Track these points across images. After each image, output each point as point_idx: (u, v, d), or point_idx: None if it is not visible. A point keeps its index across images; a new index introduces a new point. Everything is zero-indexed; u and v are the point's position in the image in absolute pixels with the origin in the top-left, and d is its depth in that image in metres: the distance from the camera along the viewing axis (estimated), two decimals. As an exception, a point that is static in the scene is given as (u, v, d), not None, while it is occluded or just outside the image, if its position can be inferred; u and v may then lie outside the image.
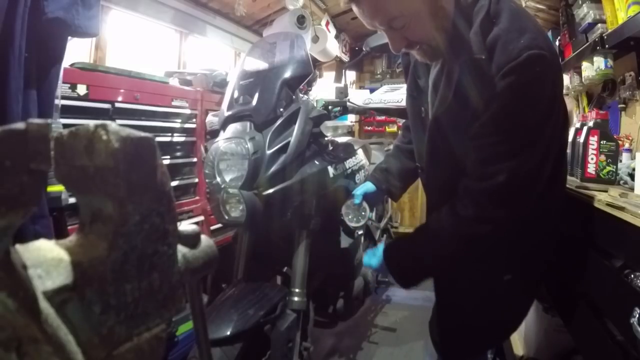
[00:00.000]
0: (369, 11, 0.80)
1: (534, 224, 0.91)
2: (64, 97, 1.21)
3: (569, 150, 1.15)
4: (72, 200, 1.20)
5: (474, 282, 0.95)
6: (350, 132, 3.54)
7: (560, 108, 0.85)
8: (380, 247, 1.03)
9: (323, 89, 2.54)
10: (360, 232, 1.55)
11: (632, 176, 1.03)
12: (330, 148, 1.32)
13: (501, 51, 0.75)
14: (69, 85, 1.25)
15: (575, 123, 1.74)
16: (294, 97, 1.17)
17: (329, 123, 2.16)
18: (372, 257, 1.02)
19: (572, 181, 1.10)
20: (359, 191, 1.15)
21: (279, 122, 1.09)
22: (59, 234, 1.14)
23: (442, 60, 0.89)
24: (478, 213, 0.83)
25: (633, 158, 1.26)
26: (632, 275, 0.74)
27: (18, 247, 0.22)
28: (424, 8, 0.79)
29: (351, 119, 3.59)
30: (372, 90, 1.66)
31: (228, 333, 0.95)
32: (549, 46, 0.77)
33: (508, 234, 0.87)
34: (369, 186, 1.18)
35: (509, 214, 0.82)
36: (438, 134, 0.92)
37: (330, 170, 1.21)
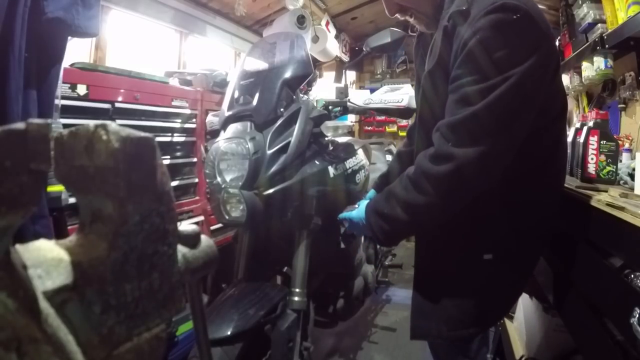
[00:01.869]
0: None
1: (518, 205, 0.90)
2: (64, 97, 1.21)
3: (568, 150, 1.15)
4: (72, 200, 1.20)
5: (452, 256, 0.93)
6: (350, 132, 3.54)
7: (546, 76, 0.81)
8: (363, 203, 1.02)
9: (323, 89, 2.54)
10: None
11: (632, 176, 1.03)
12: (331, 148, 1.32)
13: (479, 3, 0.78)
14: (69, 85, 1.25)
15: (575, 123, 1.74)
16: (294, 97, 1.17)
17: (329, 123, 2.16)
18: (355, 216, 1.02)
19: (572, 181, 1.10)
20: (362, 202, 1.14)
21: (279, 122, 1.09)
22: (59, 234, 1.14)
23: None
24: (437, 149, 0.82)
25: (633, 158, 1.26)
26: (632, 275, 0.74)
27: (18, 247, 0.22)
28: None
29: (351, 119, 3.59)
30: (372, 90, 1.66)
31: (228, 333, 0.95)
32: (532, 6, 0.78)
33: (486, 205, 0.87)
34: (371, 194, 1.18)
35: (467, 153, 0.78)
36: (426, 105, 0.95)
37: (331, 170, 1.21)
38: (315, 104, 1.26)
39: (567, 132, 1.08)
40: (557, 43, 2.18)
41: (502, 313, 1.02)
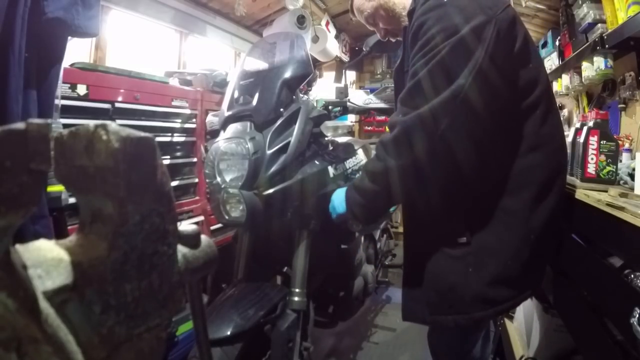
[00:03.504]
0: (354, 15, 1.18)
1: (499, 195, 0.90)
2: (64, 97, 1.21)
3: (568, 151, 1.15)
4: (72, 200, 1.20)
5: (432, 237, 0.97)
6: (350, 132, 3.53)
7: (487, 41, 0.83)
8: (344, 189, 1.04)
9: (323, 89, 2.54)
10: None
11: (632, 176, 1.03)
12: (331, 148, 1.32)
13: None
14: (69, 85, 1.25)
15: (575, 123, 1.74)
16: (294, 97, 1.17)
17: (329, 123, 2.16)
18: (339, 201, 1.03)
19: (572, 181, 1.10)
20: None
21: (279, 122, 1.09)
22: (59, 234, 1.14)
23: None
24: (390, 121, 0.91)
25: (633, 158, 1.26)
26: (632, 275, 0.74)
27: (18, 247, 0.22)
28: (378, 7, 1.09)
29: (351, 119, 3.59)
30: (372, 90, 1.66)
31: (228, 333, 0.95)
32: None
33: (462, 189, 0.91)
34: None
35: (411, 117, 0.85)
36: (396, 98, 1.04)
37: (331, 170, 1.21)
38: (315, 104, 1.26)
39: (566, 132, 1.08)
40: (557, 43, 2.18)
41: (486, 309, 0.91)
